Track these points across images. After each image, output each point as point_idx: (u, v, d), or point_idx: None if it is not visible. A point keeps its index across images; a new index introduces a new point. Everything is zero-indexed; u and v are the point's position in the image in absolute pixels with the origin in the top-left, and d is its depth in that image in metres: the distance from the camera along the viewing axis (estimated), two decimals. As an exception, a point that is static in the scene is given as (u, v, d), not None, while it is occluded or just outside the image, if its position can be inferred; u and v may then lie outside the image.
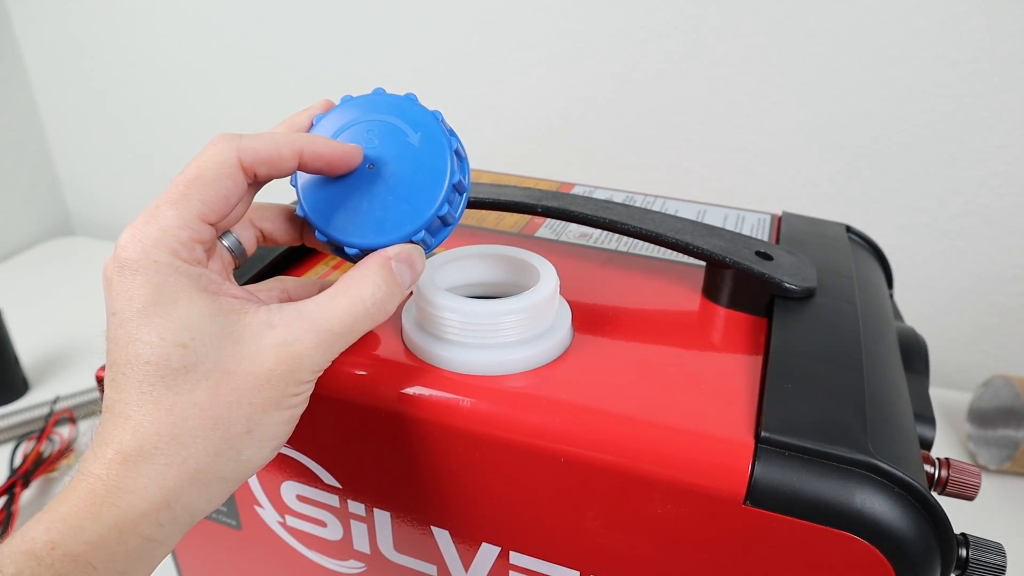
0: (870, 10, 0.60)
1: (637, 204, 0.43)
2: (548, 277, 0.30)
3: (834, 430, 0.25)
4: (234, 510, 0.37)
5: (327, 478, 0.32)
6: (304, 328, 0.25)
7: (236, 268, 0.29)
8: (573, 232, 0.42)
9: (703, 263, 0.36)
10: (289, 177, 0.28)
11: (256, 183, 0.27)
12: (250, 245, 0.30)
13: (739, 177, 0.70)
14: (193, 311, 0.23)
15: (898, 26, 0.60)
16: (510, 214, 0.44)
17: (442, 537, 0.31)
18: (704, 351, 0.31)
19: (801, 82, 0.65)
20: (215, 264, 0.27)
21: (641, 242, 0.39)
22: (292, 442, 0.32)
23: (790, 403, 0.26)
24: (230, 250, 0.28)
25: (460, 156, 0.28)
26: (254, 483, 0.35)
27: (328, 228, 0.28)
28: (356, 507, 0.33)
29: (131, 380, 0.23)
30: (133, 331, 0.23)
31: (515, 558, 0.30)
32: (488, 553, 0.31)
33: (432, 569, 0.32)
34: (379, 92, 0.29)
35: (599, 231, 0.42)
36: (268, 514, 0.35)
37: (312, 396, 0.27)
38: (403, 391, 0.29)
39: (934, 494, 0.29)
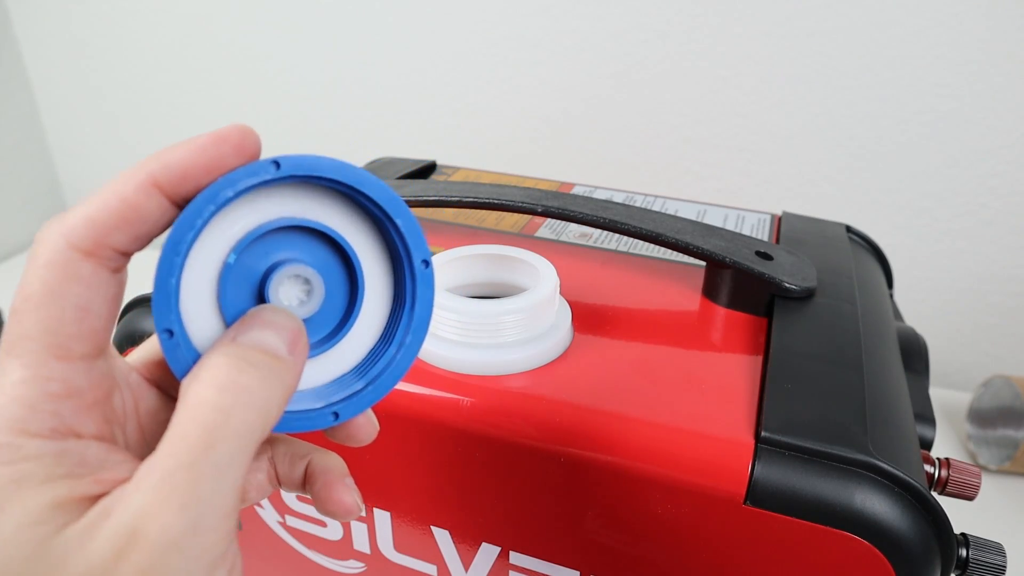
0: (870, 10, 0.60)
1: (637, 204, 0.43)
2: (548, 277, 0.30)
3: (834, 430, 0.25)
4: (234, 510, 0.37)
5: (327, 478, 0.32)
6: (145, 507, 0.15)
7: None
8: (573, 232, 0.42)
9: (703, 263, 0.36)
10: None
11: (124, 255, 0.17)
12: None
13: (739, 177, 0.70)
14: (7, 525, 0.15)
15: (898, 26, 0.60)
16: (510, 214, 0.44)
17: (442, 537, 0.31)
18: (704, 351, 0.31)
19: (801, 82, 0.64)
20: (114, 405, 0.18)
21: (641, 242, 0.39)
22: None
23: (790, 403, 0.26)
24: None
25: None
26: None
27: None
28: (356, 507, 0.33)
29: None
30: None
31: (515, 558, 0.30)
32: (488, 553, 0.31)
33: (432, 569, 0.32)
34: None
35: (599, 231, 0.42)
36: (268, 514, 0.35)
37: None
38: (403, 391, 0.29)
39: (934, 494, 0.29)
